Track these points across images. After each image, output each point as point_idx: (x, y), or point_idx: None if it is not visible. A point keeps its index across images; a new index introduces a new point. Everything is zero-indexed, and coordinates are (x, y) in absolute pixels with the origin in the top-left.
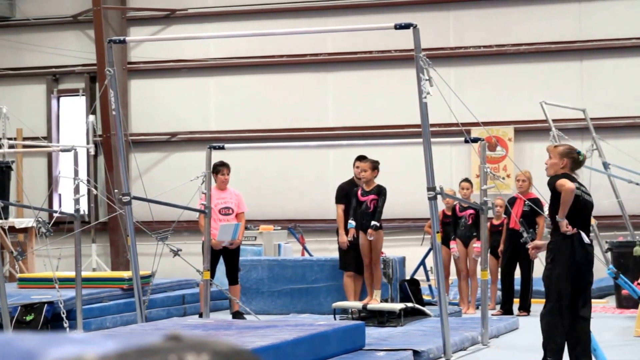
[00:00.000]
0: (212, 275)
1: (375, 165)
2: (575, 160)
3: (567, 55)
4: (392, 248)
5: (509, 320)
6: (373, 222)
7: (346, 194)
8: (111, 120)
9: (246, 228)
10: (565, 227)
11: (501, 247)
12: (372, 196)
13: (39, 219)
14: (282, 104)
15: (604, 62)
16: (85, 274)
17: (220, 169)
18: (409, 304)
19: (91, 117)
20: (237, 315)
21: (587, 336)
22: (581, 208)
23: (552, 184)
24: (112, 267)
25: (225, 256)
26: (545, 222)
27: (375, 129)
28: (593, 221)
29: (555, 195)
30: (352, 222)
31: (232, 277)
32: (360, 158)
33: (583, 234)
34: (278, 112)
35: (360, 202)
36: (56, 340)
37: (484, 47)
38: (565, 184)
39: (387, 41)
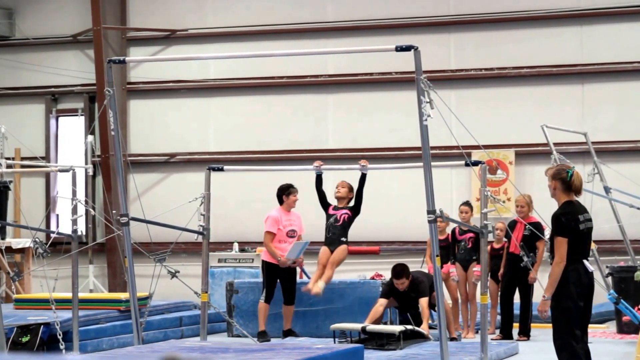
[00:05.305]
0: (272, 296)
1: (351, 188)
2: (563, 180)
3: (569, 78)
4: None
5: (509, 345)
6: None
7: None
8: (110, 141)
9: (243, 250)
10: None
11: (501, 271)
12: (343, 211)
13: (36, 239)
14: (282, 125)
15: (605, 85)
16: (82, 295)
17: (292, 190)
18: (409, 327)
19: (90, 137)
20: (290, 333)
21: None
22: (584, 238)
23: (552, 219)
24: (109, 288)
25: (283, 276)
26: (545, 247)
27: (375, 151)
28: (593, 245)
29: (555, 228)
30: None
31: (290, 297)
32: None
33: (586, 263)
34: (278, 134)
35: (329, 215)
36: None
37: (485, 69)
38: (558, 249)
39: (388, 63)
